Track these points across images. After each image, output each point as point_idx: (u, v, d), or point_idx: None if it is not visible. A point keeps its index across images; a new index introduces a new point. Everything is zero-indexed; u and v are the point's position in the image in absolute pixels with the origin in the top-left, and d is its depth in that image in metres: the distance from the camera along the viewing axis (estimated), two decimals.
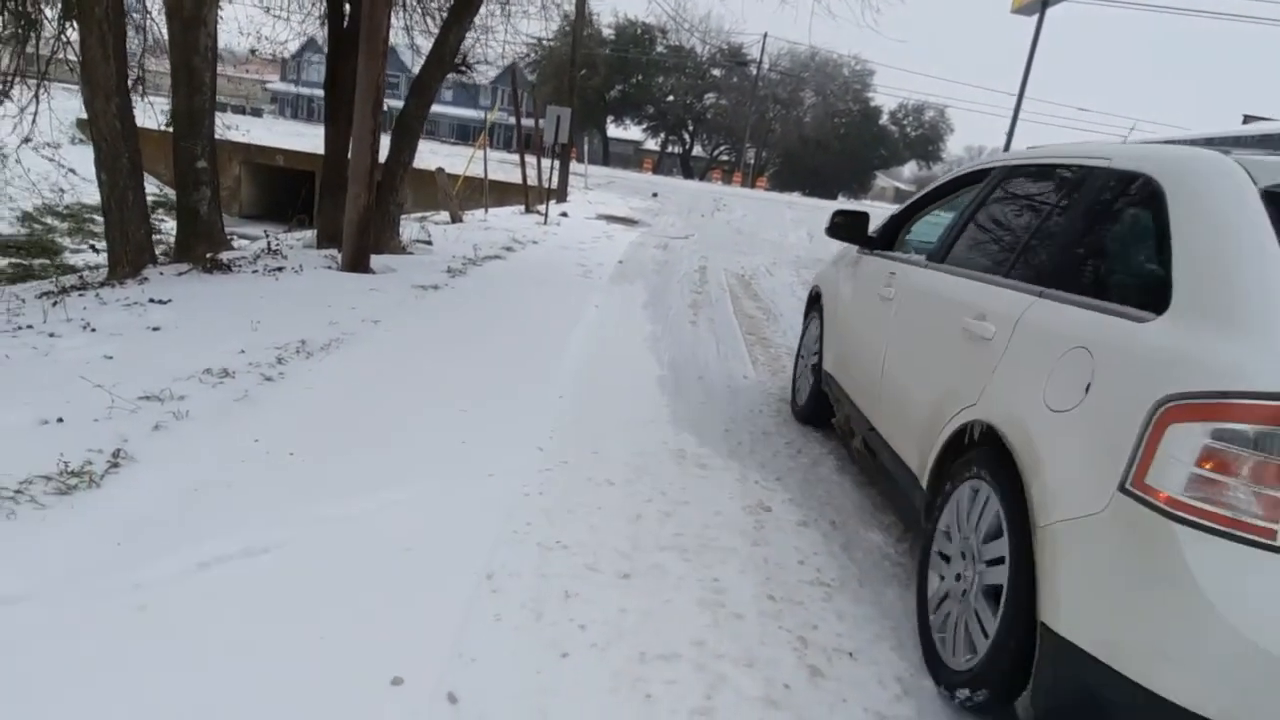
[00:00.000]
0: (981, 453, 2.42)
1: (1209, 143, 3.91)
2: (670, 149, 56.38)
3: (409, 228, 10.35)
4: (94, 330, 4.67)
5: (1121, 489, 1.80)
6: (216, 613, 2.31)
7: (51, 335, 4.52)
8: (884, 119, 52.52)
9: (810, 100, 52.20)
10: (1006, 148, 23.57)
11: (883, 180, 59.03)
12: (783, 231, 18.62)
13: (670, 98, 51.59)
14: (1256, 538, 1.60)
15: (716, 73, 51.52)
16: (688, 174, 52.47)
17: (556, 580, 2.70)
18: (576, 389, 4.82)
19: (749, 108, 46.86)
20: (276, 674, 2.08)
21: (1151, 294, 2.01)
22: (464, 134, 49.42)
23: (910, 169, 60.08)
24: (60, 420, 3.37)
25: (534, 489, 3.36)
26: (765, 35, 44.94)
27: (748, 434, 4.47)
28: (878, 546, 3.28)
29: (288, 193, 21.93)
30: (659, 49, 49.12)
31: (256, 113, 43.91)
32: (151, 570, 2.46)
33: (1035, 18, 22.08)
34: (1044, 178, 3.01)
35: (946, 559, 2.54)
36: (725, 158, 55.76)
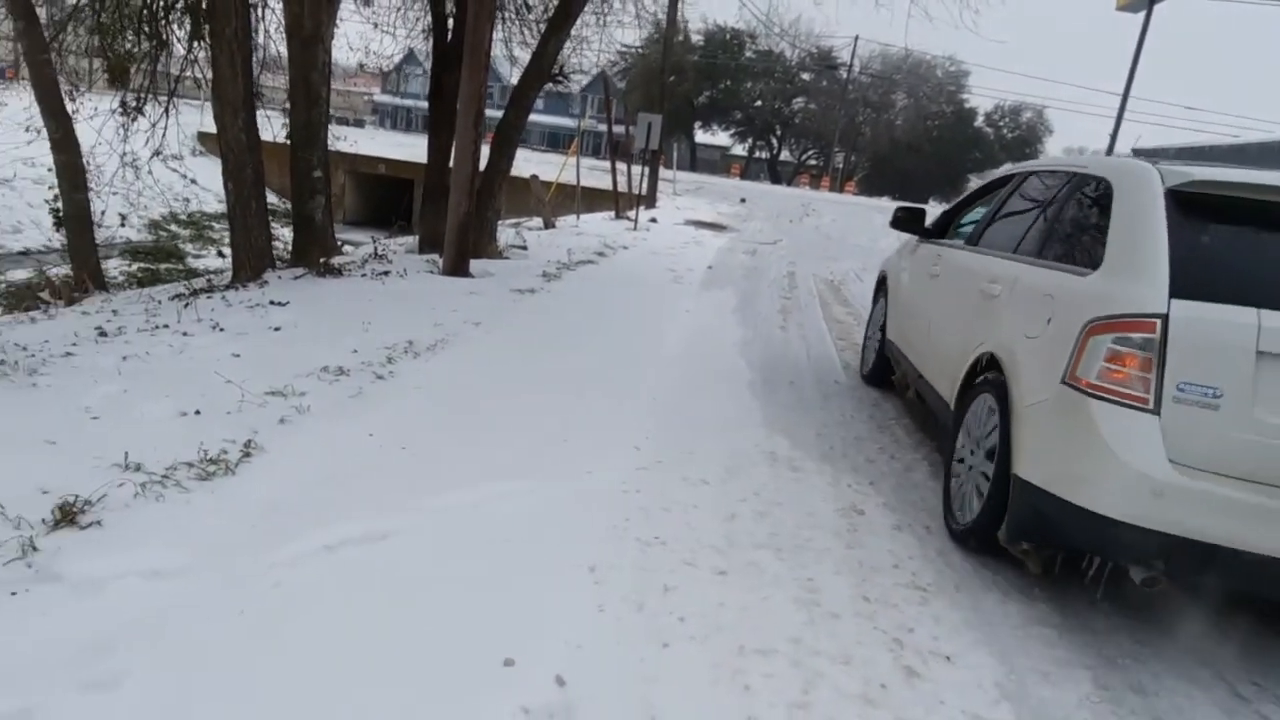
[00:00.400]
0: (987, 375, 3.41)
1: (1153, 153, 5.17)
2: (758, 154, 56.07)
3: (504, 233, 10.67)
4: (222, 330, 5.01)
5: (1062, 381, 2.78)
6: (343, 592, 2.49)
7: (185, 334, 4.88)
8: (979, 121, 50.99)
9: (902, 103, 51.11)
10: (1110, 149, 22.61)
11: (976, 183, 57.18)
12: (872, 236, 18.28)
13: (758, 102, 51.35)
14: (1136, 404, 2.56)
15: (805, 77, 51.01)
16: (775, 179, 52.06)
17: (655, 574, 2.79)
18: (670, 391, 4.91)
19: (838, 111, 46.20)
20: (398, 649, 2.24)
21: (1094, 257, 2.99)
22: (554, 141, 50.33)
23: (1005, 172, 57.87)
24: (198, 413, 3.66)
25: (631, 487, 3.47)
26: (856, 38, 44.30)
27: (839, 438, 4.48)
28: (975, 553, 3.25)
29: (388, 200, 22.85)
30: (748, 54, 48.96)
31: (359, 124, 45.76)
32: (284, 551, 2.66)
33: (1141, 15, 21.05)
34: (1045, 179, 3.96)
35: (961, 460, 3.48)
36: (813, 162, 55.10)
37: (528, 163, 18.19)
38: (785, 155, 55.83)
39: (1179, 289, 2.58)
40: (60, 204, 7.54)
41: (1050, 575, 3.04)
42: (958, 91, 50.26)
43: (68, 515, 2.62)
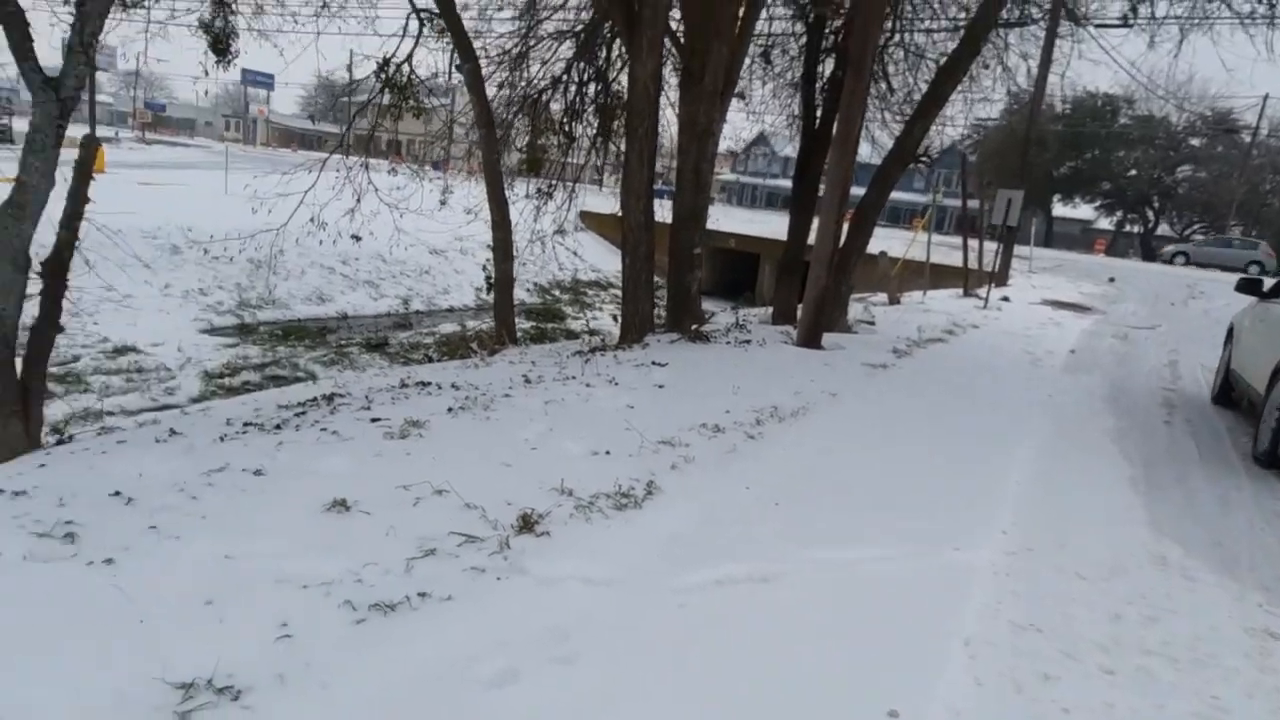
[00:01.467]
0: None
1: None
2: (1127, 228, 50.32)
3: (852, 308, 10.88)
4: (616, 384, 5.82)
5: None
6: (736, 621, 2.84)
7: (588, 385, 5.75)
8: None
9: None
10: None
11: None
12: None
13: (1132, 171, 46.27)
14: None
15: (1195, 142, 45.04)
16: (1148, 256, 46.22)
17: (1032, 660, 2.79)
18: (1034, 477, 4.75)
19: (1236, 179, 40.05)
20: (788, 680, 2.52)
21: None
22: (894, 216, 49.49)
23: None
24: (607, 453, 4.33)
25: (1001, 570, 3.46)
26: (1265, 97, 38.22)
27: (1245, 551, 4.01)
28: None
29: (733, 272, 24.19)
30: (1122, 120, 44.55)
31: (709, 201, 49.00)
32: (684, 578, 3.10)
33: None
34: None
35: (1272, 411, 5.50)
36: (1199, 237, 48.12)
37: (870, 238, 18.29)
38: (1163, 229, 49.43)
39: None
40: (492, 271, 9.23)
41: None
42: None
43: (528, 524, 3.30)
